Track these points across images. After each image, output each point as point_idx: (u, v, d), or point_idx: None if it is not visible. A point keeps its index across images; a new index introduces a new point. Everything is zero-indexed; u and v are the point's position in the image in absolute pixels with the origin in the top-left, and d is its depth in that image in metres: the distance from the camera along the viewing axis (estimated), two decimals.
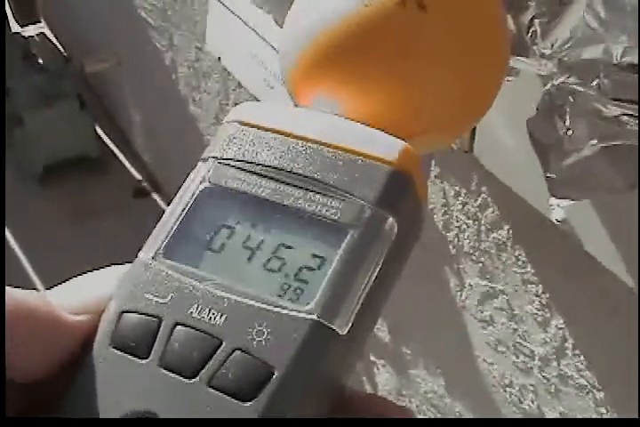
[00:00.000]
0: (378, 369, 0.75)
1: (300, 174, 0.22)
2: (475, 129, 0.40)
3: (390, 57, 0.24)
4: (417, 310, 0.64)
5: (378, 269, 0.21)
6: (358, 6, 0.24)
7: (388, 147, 0.22)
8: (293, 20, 0.26)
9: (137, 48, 1.15)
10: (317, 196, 0.22)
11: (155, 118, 1.28)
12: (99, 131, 1.52)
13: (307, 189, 0.22)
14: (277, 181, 0.22)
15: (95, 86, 1.54)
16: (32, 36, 1.53)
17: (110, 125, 1.53)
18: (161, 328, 0.21)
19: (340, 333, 0.21)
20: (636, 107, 0.28)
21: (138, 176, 1.49)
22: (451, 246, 0.54)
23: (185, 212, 0.22)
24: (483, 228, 0.49)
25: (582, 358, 0.47)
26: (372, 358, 0.75)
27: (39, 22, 1.59)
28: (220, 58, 0.72)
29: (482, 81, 0.26)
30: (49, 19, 1.63)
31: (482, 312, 0.54)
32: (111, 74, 1.34)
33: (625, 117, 0.29)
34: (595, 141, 0.30)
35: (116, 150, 1.53)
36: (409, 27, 0.24)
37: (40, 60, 1.45)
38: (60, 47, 1.58)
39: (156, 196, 1.45)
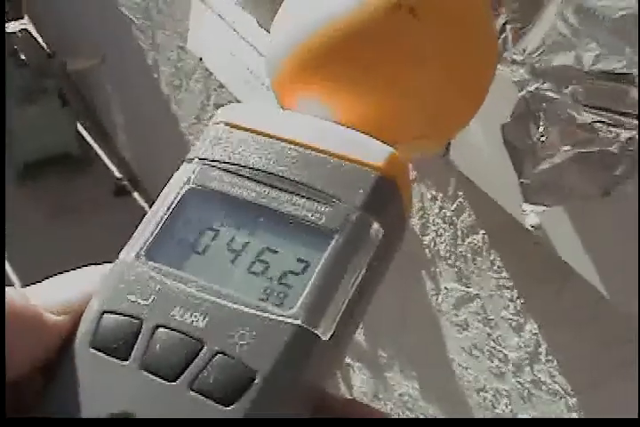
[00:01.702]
0: (354, 371, 0.75)
1: (286, 178, 0.22)
2: None
3: (379, 62, 0.24)
4: (393, 313, 0.64)
5: (362, 275, 0.21)
6: (349, 11, 0.24)
7: (374, 152, 0.22)
8: (282, 22, 0.26)
9: (120, 46, 1.15)
10: (303, 200, 0.22)
11: (136, 117, 1.28)
12: (80, 128, 1.51)
13: (292, 193, 0.22)
14: (263, 183, 0.22)
15: (77, 84, 1.53)
16: (15, 33, 1.53)
17: (92, 123, 1.52)
18: (142, 330, 0.21)
19: (323, 338, 0.20)
20: (609, 114, 0.28)
21: (119, 174, 1.48)
22: (427, 250, 0.54)
23: (169, 213, 0.22)
24: (459, 232, 0.49)
25: (555, 363, 0.47)
26: (349, 360, 0.75)
27: (22, 18, 1.58)
28: (201, 58, 0.71)
29: (470, 88, 0.26)
30: (32, 15, 1.62)
31: (457, 316, 0.55)
32: (94, 71, 1.34)
33: (598, 124, 0.29)
34: (568, 148, 0.30)
35: (98, 148, 1.53)
36: (400, 33, 0.24)
37: (22, 57, 1.44)
38: (42, 44, 1.58)
39: (136, 194, 1.45)
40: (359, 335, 0.70)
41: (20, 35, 1.53)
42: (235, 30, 0.62)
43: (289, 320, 0.20)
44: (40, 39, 1.60)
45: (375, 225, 0.22)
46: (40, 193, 1.44)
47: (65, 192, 1.45)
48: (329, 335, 0.21)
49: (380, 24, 0.24)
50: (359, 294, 0.21)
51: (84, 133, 1.54)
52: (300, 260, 0.21)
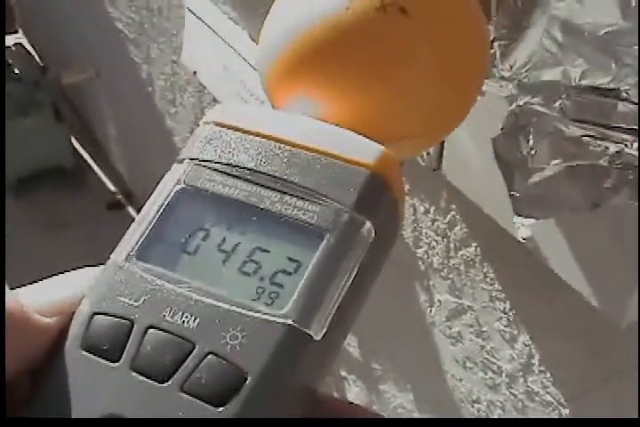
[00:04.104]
0: (349, 384, 0.75)
1: (277, 177, 0.22)
2: (442, 147, 0.40)
3: (369, 61, 0.24)
4: (387, 325, 0.64)
5: (354, 274, 0.21)
6: (339, 9, 0.24)
7: (365, 150, 0.22)
8: (273, 21, 0.26)
9: (114, 60, 1.15)
10: (294, 199, 0.22)
11: (130, 131, 1.28)
12: (74, 142, 1.52)
13: (283, 192, 0.22)
14: (254, 183, 0.22)
15: (71, 97, 1.53)
16: (9, 47, 1.53)
17: (86, 137, 1.53)
18: (133, 331, 0.20)
19: (315, 338, 0.20)
20: (597, 128, 0.28)
21: (113, 188, 1.48)
22: (420, 263, 0.54)
23: (159, 213, 0.22)
24: (452, 244, 0.50)
25: (548, 374, 0.47)
26: (343, 373, 0.75)
27: (16, 33, 1.58)
28: (195, 72, 0.72)
29: (461, 88, 0.26)
30: (26, 29, 1.62)
31: (450, 328, 0.55)
32: (88, 85, 1.34)
33: (587, 138, 0.29)
34: (557, 161, 0.31)
35: (92, 162, 1.53)
36: (389, 31, 0.24)
37: (16, 70, 1.45)
38: (36, 57, 1.58)
39: (130, 208, 1.45)
40: (354, 348, 0.70)
41: (13, 49, 1.53)
42: (228, 45, 0.63)
43: (280, 320, 0.20)
44: (34, 53, 1.60)
45: (367, 224, 0.21)
46: (33, 207, 1.44)
47: (58, 206, 1.45)
48: (321, 335, 0.20)
49: (369, 23, 0.24)
50: (352, 293, 0.21)
51: (78, 147, 1.54)
52: (291, 259, 0.21)
